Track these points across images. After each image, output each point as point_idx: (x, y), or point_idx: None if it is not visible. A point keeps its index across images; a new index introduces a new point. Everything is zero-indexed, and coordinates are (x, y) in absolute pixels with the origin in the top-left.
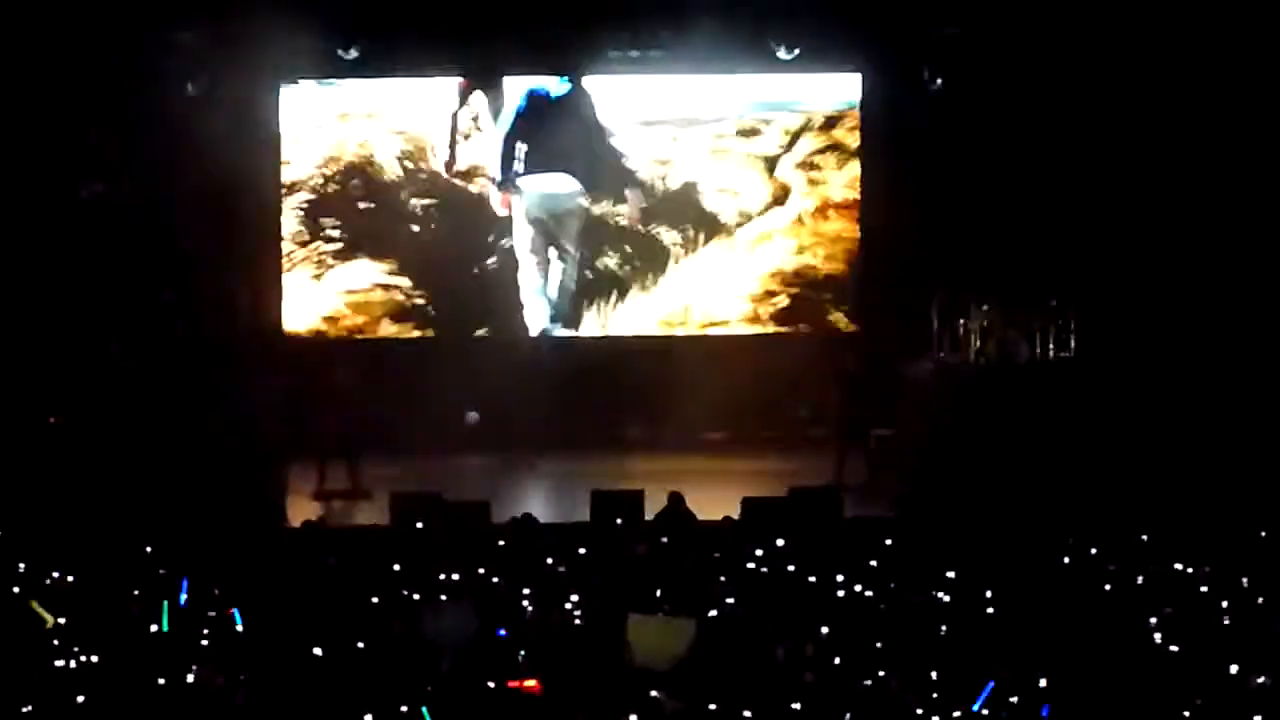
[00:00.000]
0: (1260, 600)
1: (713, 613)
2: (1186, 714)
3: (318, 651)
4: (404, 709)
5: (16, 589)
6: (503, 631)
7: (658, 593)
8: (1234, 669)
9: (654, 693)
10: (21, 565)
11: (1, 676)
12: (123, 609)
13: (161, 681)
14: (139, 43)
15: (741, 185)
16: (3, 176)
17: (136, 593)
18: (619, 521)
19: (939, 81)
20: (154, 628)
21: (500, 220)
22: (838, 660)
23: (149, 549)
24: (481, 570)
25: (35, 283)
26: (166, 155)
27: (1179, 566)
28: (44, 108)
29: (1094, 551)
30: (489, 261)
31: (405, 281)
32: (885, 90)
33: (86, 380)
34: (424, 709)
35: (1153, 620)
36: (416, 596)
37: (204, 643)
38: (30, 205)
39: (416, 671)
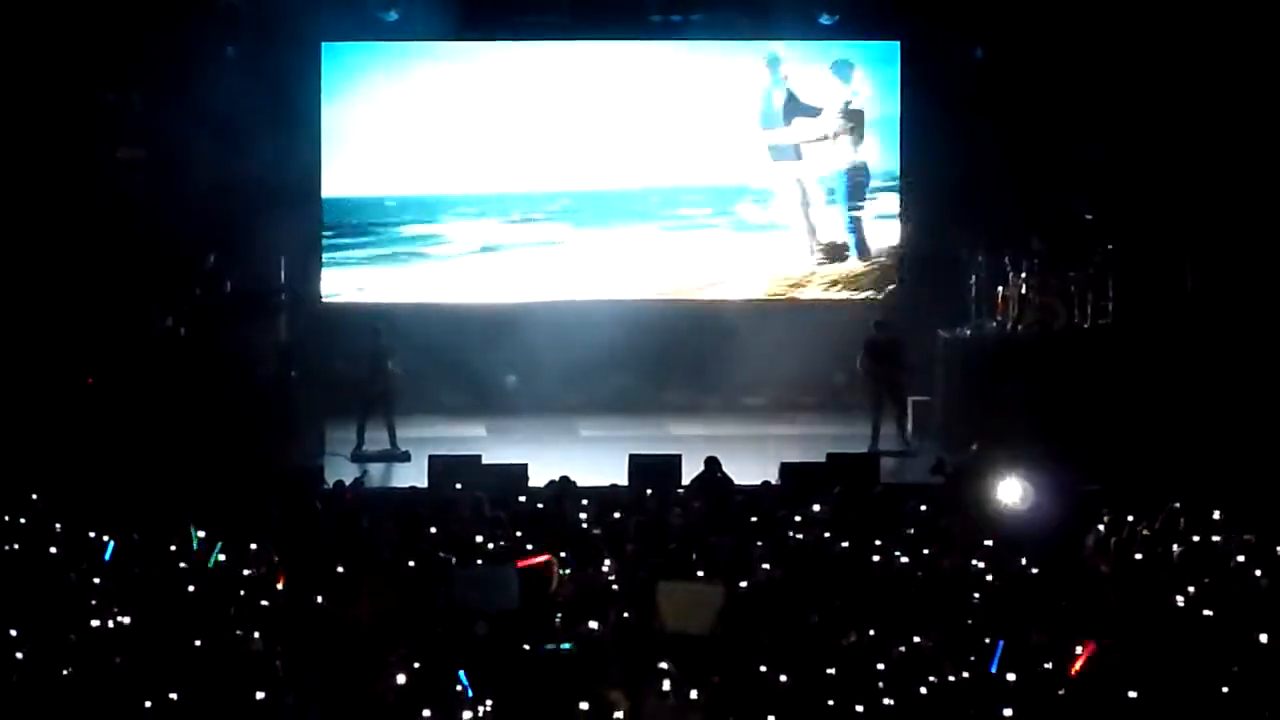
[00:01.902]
0: None
1: (743, 583)
2: (1225, 689)
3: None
4: (441, 672)
5: (54, 549)
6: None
7: (693, 557)
8: (1264, 638)
9: (663, 664)
10: (58, 526)
11: (39, 637)
12: (160, 569)
13: (198, 643)
14: (179, 5)
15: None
16: (45, 140)
17: (174, 548)
18: (649, 491)
19: (979, 49)
20: (191, 588)
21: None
22: (872, 627)
23: (187, 510)
24: (519, 534)
25: (75, 246)
26: (206, 118)
27: (1216, 537)
28: (84, 72)
29: (1129, 519)
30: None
31: (446, 245)
32: (926, 57)
33: (126, 342)
34: (460, 673)
35: (1190, 589)
36: (453, 560)
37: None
38: (71, 169)
39: (453, 635)
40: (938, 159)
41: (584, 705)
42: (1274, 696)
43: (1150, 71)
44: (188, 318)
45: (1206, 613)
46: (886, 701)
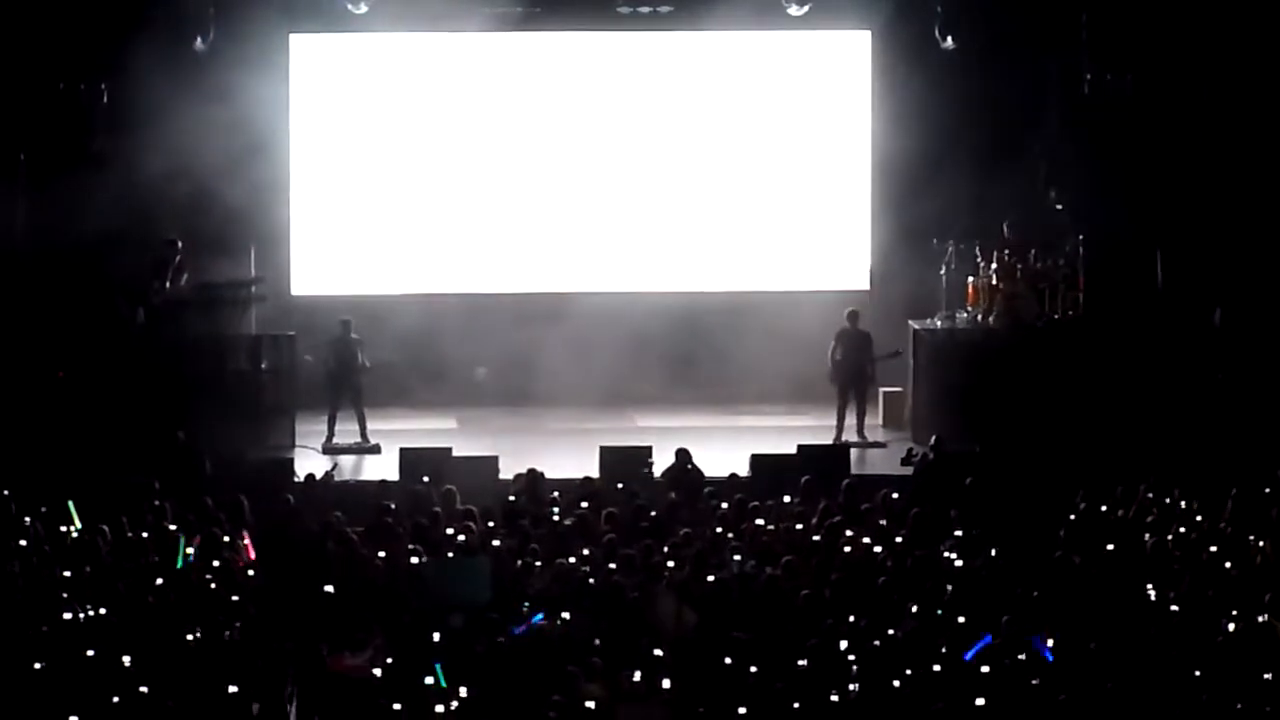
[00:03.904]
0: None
1: (709, 576)
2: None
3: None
4: (416, 664)
5: (24, 541)
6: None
7: (665, 549)
8: (1231, 626)
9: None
10: (27, 519)
11: (11, 630)
12: (130, 562)
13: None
14: None
15: (753, 144)
16: (11, 132)
17: (144, 535)
18: (620, 484)
19: (949, 39)
20: (159, 581)
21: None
22: (845, 618)
23: (157, 502)
24: (490, 524)
25: (43, 236)
26: (175, 109)
27: (1185, 523)
28: (54, 63)
29: (1102, 509)
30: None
31: (415, 237)
32: (896, 48)
33: (95, 335)
34: (437, 665)
35: (1161, 579)
36: (425, 554)
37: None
38: (40, 161)
39: (428, 627)
40: (908, 150)
41: (557, 696)
42: (1242, 683)
43: (1120, 62)
44: (156, 310)
45: (1176, 603)
46: (858, 693)
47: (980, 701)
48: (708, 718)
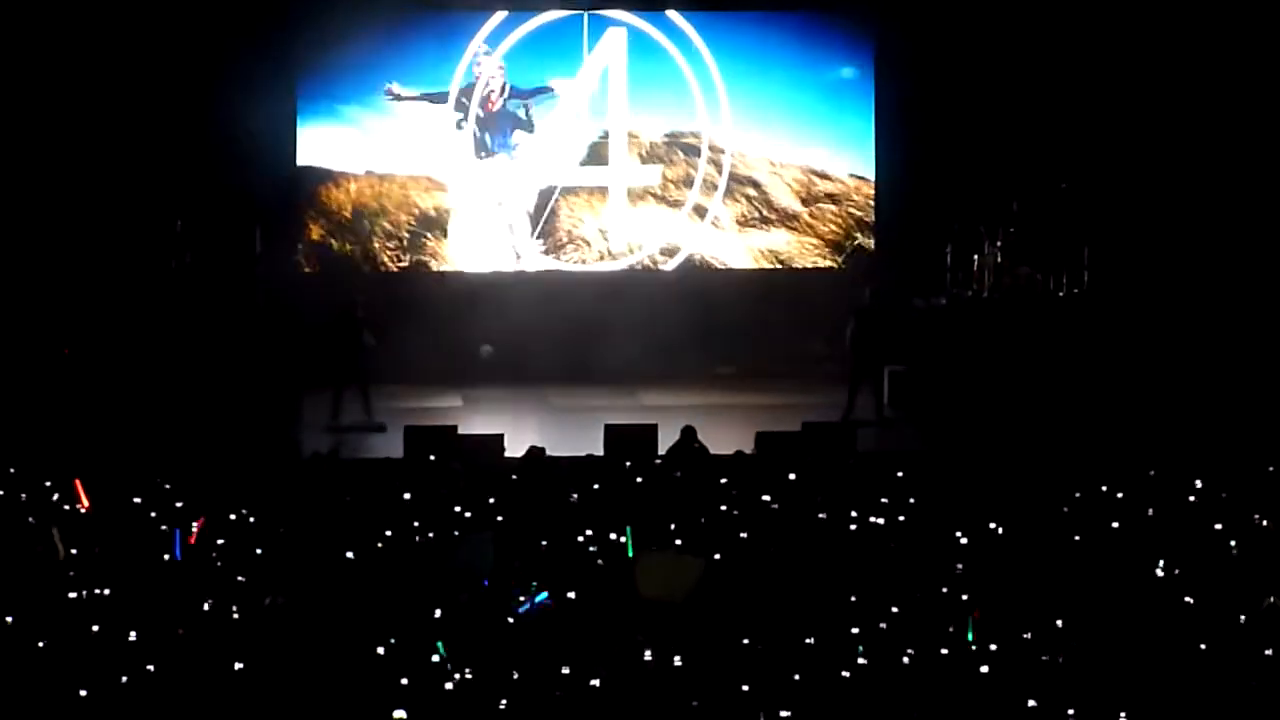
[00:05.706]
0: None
1: (718, 554)
2: (1202, 646)
3: (331, 582)
4: (419, 642)
5: (32, 519)
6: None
7: (671, 527)
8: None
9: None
10: (24, 496)
11: (15, 608)
12: (136, 541)
13: (174, 613)
14: None
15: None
16: (9, 115)
17: (153, 514)
18: (627, 464)
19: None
20: (165, 557)
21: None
22: (851, 595)
23: (164, 481)
24: (492, 501)
25: (46, 215)
26: (177, 81)
27: (1191, 498)
28: (54, 49)
29: (1105, 487)
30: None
31: (416, 212)
32: (901, 27)
33: (100, 312)
34: (439, 643)
35: (1167, 559)
36: (430, 532)
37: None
38: (38, 141)
39: (432, 604)
40: (912, 126)
41: (565, 670)
42: (1249, 664)
43: (1126, 42)
44: (161, 286)
45: (1184, 583)
46: (866, 670)
47: (984, 669)
48: (713, 696)
